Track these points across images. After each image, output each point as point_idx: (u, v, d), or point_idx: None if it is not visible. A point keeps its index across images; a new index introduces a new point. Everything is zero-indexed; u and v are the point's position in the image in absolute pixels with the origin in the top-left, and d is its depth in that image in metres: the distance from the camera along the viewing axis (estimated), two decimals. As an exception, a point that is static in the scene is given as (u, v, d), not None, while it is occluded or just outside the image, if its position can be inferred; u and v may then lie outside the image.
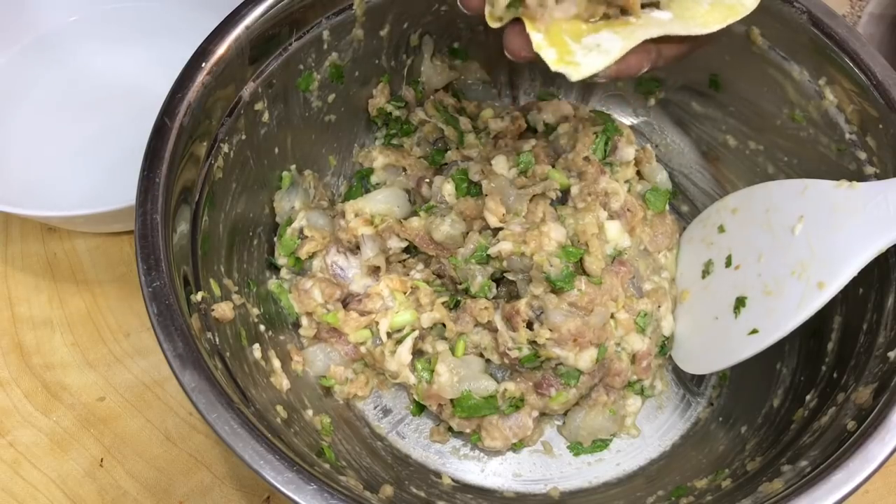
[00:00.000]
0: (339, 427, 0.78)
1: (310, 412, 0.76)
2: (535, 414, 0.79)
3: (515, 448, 0.81)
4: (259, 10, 0.73)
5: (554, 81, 0.98)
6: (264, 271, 0.85)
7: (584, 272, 0.76)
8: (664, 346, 0.83)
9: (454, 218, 0.80)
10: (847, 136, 0.75)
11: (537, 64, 0.56)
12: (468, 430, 0.79)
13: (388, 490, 0.68)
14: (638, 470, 0.81)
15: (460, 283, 0.81)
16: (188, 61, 0.70)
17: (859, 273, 0.66)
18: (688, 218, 0.92)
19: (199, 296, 0.67)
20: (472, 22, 0.89)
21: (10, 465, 0.83)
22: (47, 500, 0.81)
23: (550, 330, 0.73)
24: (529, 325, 0.75)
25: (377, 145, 0.94)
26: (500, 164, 0.82)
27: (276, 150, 0.83)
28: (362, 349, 0.82)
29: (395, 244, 0.83)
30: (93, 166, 0.96)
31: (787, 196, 0.75)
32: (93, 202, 0.83)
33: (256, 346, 0.75)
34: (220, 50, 0.71)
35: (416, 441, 0.83)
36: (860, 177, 0.74)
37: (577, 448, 0.82)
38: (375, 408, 0.84)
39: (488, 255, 0.77)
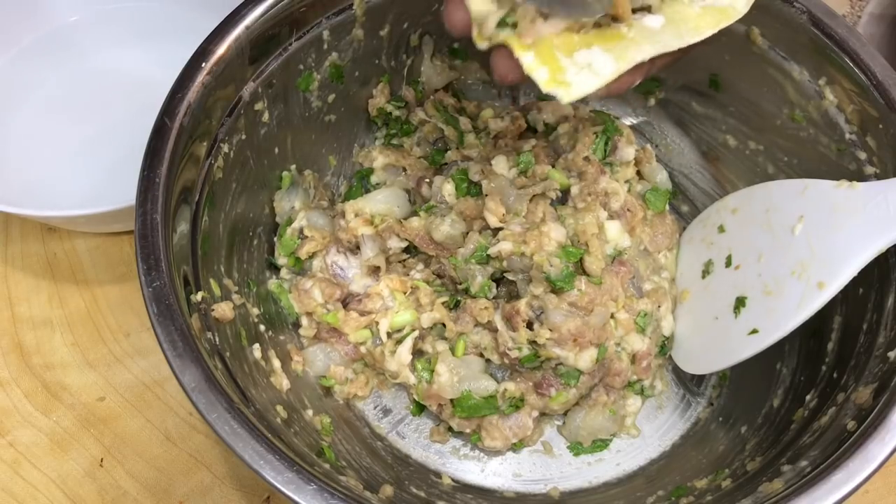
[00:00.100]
0: (339, 427, 0.78)
1: (310, 412, 0.76)
2: (535, 414, 0.79)
3: (515, 448, 0.81)
4: (259, 10, 0.73)
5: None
6: (264, 271, 0.85)
7: (584, 272, 0.76)
8: (664, 346, 0.83)
9: (454, 218, 0.80)
10: (847, 136, 0.75)
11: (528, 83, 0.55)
12: (468, 430, 0.80)
13: (388, 490, 0.68)
14: (638, 470, 0.81)
15: (460, 283, 0.81)
16: (188, 61, 0.70)
17: (859, 273, 0.66)
18: (688, 218, 0.92)
19: (199, 296, 0.67)
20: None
21: (10, 465, 0.83)
22: (47, 500, 0.81)
23: (550, 330, 0.73)
24: (529, 325, 0.75)
25: (377, 145, 0.94)
26: (500, 164, 0.82)
27: (276, 150, 0.83)
28: (362, 349, 0.82)
29: (395, 244, 0.83)
30: (93, 166, 0.96)
31: (787, 196, 0.75)
32: (93, 202, 0.83)
33: (256, 346, 0.75)
34: (220, 50, 0.71)
35: (416, 441, 0.83)
36: (860, 177, 0.74)
37: (577, 448, 0.82)
38: (375, 408, 0.84)
39: (488, 255, 0.77)
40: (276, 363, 0.76)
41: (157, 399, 0.86)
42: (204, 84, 0.70)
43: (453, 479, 0.80)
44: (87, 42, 1.04)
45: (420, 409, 0.84)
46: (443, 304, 0.81)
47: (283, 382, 0.75)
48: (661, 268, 0.86)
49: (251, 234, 0.82)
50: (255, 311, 0.78)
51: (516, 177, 0.81)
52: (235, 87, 0.74)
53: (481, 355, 0.81)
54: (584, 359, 0.75)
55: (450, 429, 0.82)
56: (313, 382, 0.81)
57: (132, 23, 1.04)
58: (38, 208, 0.84)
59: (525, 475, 0.81)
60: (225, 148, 0.74)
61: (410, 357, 0.79)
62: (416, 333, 0.80)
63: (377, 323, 0.80)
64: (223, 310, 0.69)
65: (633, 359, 0.80)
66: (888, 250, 0.65)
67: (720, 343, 0.77)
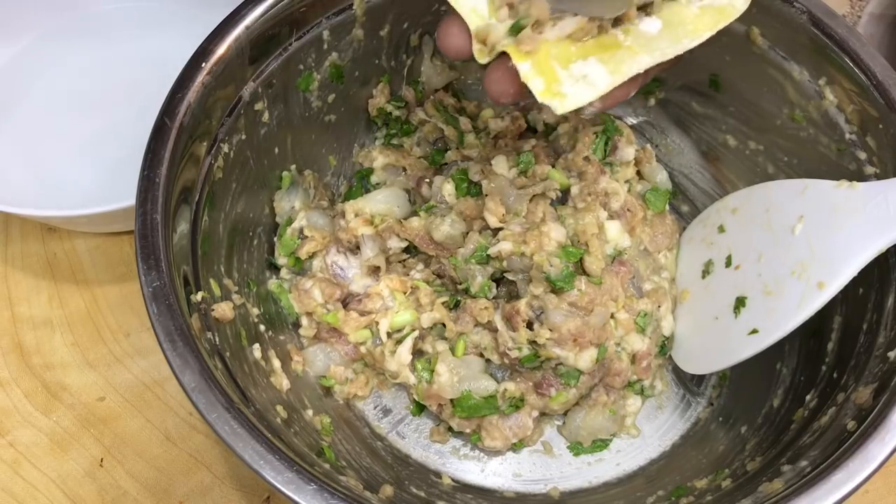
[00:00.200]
0: (339, 427, 0.78)
1: (310, 412, 0.76)
2: (535, 414, 0.79)
3: (515, 448, 0.81)
4: (259, 10, 0.73)
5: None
6: (264, 271, 0.85)
7: (584, 272, 0.76)
8: (664, 346, 0.83)
9: (454, 218, 0.80)
10: (847, 136, 0.75)
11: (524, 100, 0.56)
12: (468, 430, 0.80)
13: (388, 490, 0.68)
14: (638, 470, 0.81)
15: (460, 283, 0.81)
16: (188, 61, 0.70)
17: (859, 273, 0.66)
18: (688, 218, 0.92)
19: (199, 296, 0.67)
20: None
21: (10, 465, 0.83)
22: (47, 500, 0.81)
23: (550, 330, 0.73)
24: (529, 325, 0.75)
25: (377, 145, 0.94)
26: (500, 164, 0.82)
27: (276, 150, 0.83)
28: (362, 349, 0.82)
29: (395, 244, 0.83)
30: (93, 166, 0.96)
31: (787, 196, 0.75)
32: (93, 202, 0.83)
33: (256, 346, 0.75)
34: (220, 50, 0.71)
35: (416, 441, 0.83)
36: (860, 177, 0.74)
37: (577, 448, 0.82)
38: (375, 408, 0.84)
39: (488, 255, 0.77)
40: (276, 363, 0.76)
41: (157, 399, 0.86)
42: (204, 84, 0.70)
43: (453, 479, 0.80)
44: (88, 41, 1.04)
45: (420, 409, 0.84)
46: (443, 304, 0.81)
47: (283, 382, 0.75)
48: (661, 268, 0.86)
49: (251, 234, 0.82)
50: (255, 311, 0.78)
51: (516, 177, 0.81)
52: (235, 87, 0.74)
53: (481, 355, 0.81)
54: (584, 359, 0.75)
55: (450, 429, 0.82)
56: (313, 382, 0.81)
57: (132, 22, 1.04)
58: (38, 208, 0.84)
59: (525, 475, 0.81)
60: (225, 148, 0.74)
61: (410, 357, 0.79)
62: (416, 333, 0.80)
63: (377, 323, 0.80)
64: (223, 310, 0.69)
65: (633, 359, 0.80)
66: (888, 250, 0.65)
67: (720, 343, 0.77)
